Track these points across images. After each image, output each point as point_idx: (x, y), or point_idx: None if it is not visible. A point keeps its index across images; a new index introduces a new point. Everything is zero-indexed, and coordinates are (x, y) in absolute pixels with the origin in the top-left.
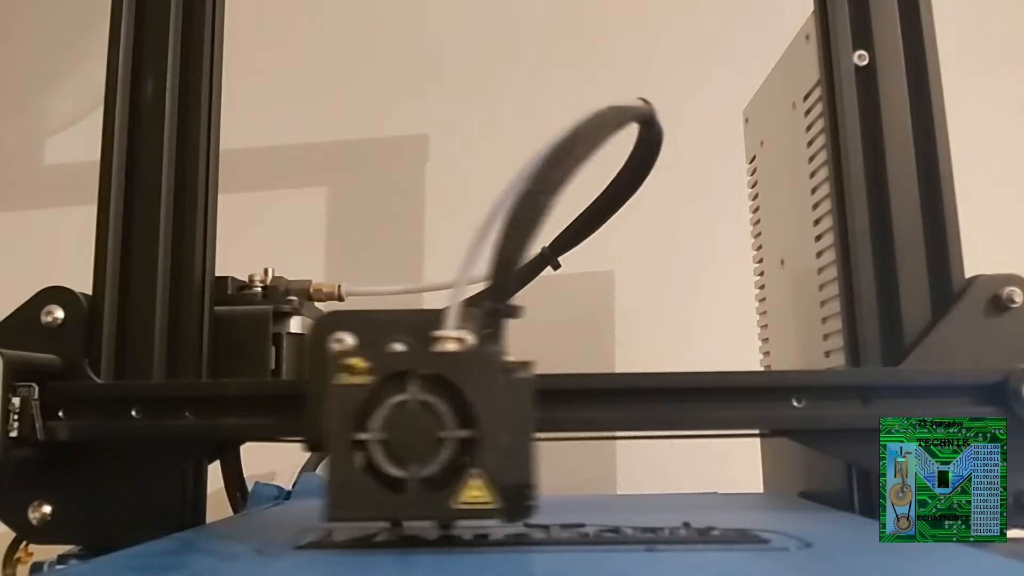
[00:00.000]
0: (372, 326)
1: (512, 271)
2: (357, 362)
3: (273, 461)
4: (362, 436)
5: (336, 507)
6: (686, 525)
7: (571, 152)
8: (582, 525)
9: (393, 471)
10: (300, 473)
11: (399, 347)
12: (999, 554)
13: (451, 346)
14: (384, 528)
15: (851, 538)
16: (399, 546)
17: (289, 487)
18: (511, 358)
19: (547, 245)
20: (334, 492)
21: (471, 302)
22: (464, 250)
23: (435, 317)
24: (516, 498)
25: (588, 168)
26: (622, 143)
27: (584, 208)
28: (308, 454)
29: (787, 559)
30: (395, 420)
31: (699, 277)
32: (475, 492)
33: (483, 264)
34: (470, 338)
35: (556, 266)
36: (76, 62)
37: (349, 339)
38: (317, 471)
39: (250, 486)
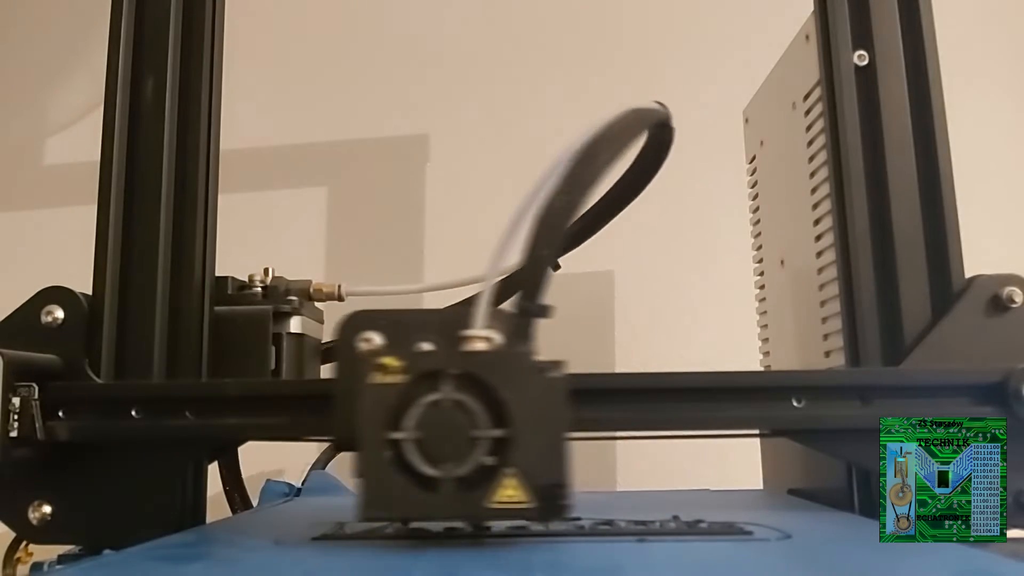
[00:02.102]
0: (400, 325)
1: (544, 271)
2: (390, 361)
3: (279, 459)
4: (396, 435)
5: (369, 506)
6: (675, 518)
7: (598, 156)
8: (578, 519)
9: (427, 470)
10: (310, 471)
11: (427, 346)
12: (999, 554)
13: (479, 345)
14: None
15: (831, 532)
16: (407, 539)
17: (299, 484)
18: (542, 357)
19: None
20: (367, 491)
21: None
22: (492, 252)
23: (463, 317)
24: (550, 497)
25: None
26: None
27: (586, 210)
28: (317, 453)
29: (766, 548)
30: (428, 419)
31: (699, 277)
32: (509, 492)
33: (510, 265)
34: (498, 338)
35: (556, 267)
36: (84, 55)
37: (377, 338)
38: (327, 469)
39: (260, 483)
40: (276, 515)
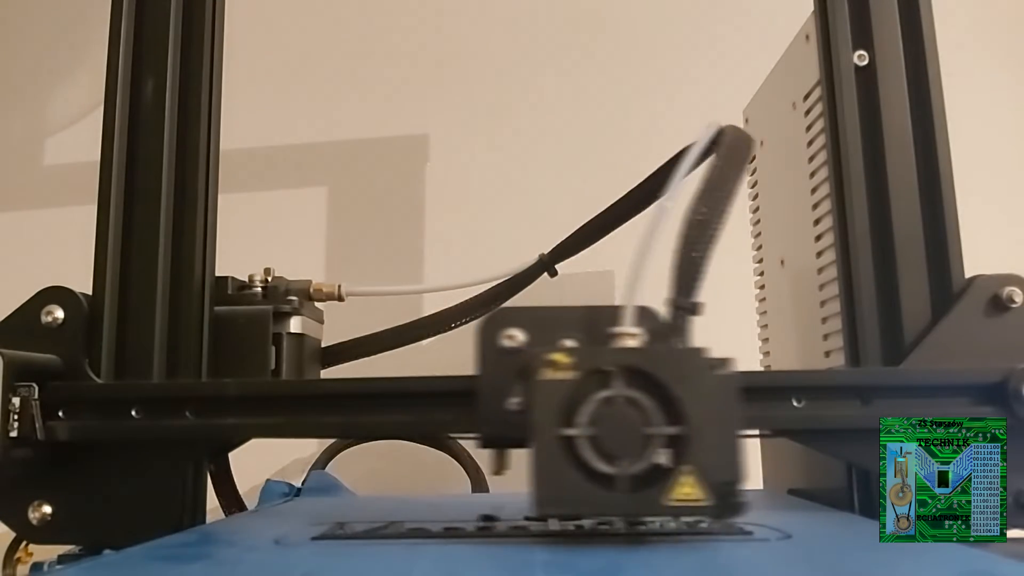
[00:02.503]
0: (542, 322)
1: (698, 270)
2: (560, 357)
3: (279, 459)
4: (570, 431)
5: (545, 502)
6: (676, 518)
7: (735, 161)
8: (578, 518)
9: (602, 467)
10: (310, 471)
11: (570, 344)
12: (999, 554)
13: (630, 343)
14: (392, 521)
15: (831, 532)
16: (406, 537)
17: (299, 484)
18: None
19: (546, 253)
20: (542, 487)
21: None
22: (635, 253)
23: (607, 314)
24: (725, 495)
25: (597, 179)
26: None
27: (588, 220)
28: (317, 453)
29: (766, 548)
30: (602, 416)
31: None
32: (687, 489)
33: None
34: (645, 335)
35: (553, 273)
36: (84, 54)
37: (520, 335)
38: (327, 469)
39: (260, 483)
40: (276, 515)
